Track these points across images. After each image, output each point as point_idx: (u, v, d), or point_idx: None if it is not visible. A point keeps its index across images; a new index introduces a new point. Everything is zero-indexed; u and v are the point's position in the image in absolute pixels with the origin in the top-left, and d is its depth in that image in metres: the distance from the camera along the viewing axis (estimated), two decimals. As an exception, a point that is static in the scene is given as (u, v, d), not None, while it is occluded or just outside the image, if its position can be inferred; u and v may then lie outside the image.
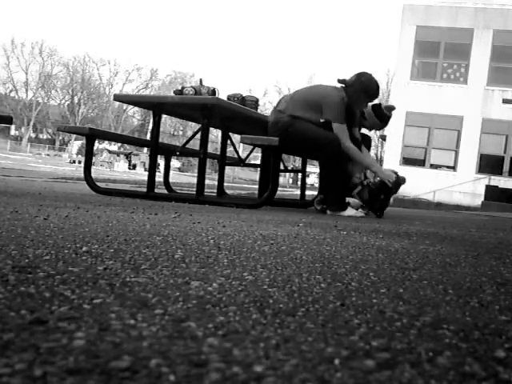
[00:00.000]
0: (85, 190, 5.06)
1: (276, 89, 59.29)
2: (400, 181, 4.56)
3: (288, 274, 1.24)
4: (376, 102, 4.97)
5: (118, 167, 40.36)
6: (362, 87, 4.44)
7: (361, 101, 4.52)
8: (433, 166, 19.51)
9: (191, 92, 4.78)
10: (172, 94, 4.92)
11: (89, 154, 4.90)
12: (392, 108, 5.11)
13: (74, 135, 53.19)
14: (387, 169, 4.80)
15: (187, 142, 5.36)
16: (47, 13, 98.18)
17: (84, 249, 1.36)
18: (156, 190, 4.87)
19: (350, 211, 4.34)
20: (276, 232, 2.24)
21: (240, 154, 6.40)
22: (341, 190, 4.41)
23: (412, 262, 1.63)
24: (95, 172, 7.19)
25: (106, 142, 46.35)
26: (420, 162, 19.61)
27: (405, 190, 18.56)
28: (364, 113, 5.01)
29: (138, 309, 0.82)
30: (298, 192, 7.44)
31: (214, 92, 4.82)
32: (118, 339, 0.66)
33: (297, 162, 34.26)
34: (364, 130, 5.33)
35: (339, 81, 4.50)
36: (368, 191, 4.57)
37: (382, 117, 5.04)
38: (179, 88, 4.98)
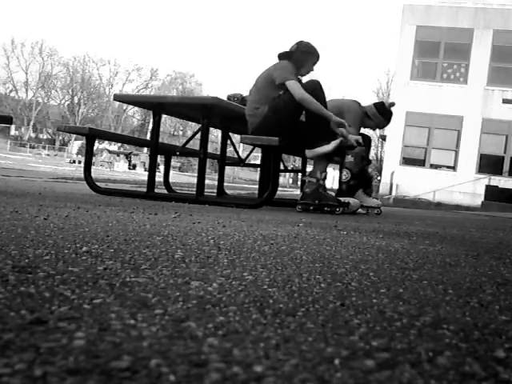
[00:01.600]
0: (85, 190, 5.06)
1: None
2: (335, 209, 4.43)
3: (288, 273, 1.23)
4: (377, 100, 5.03)
5: (118, 167, 40.36)
6: (308, 48, 4.56)
7: (309, 61, 4.57)
8: (433, 166, 19.51)
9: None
10: (173, 94, 4.93)
11: (89, 153, 4.91)
12: (392, 104, 5.18)
13: (74, 135, 53.20)
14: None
15: (187, 141, 5.36)
16: (47, 13, 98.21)
17: (84, 249, 1.36)
18: (156, 190, 4.87)
19: (329, 146, 4.30)
20: (276, 232, 2.24)
21: (240, 154, 6.41)
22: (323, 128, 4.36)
23: (412, 262, 1.63)
24: (95, 172, 7.19)
25: (106, 142, 46.35)
26: (420, 162, 19.61)
27: (405, 190, 18.57)
28: (368, 113, 5.06)
29: (138, 309, 0.82)
30: (298, 192, 7.44)
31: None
32: (118, 339, 0.66)
33: (297, 161, 34.26)
34: (366, 130, 5.37)
35: (281, 54, 4.54)
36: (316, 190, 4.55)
37: (386, 114, 5.10)
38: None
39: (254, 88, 4.51)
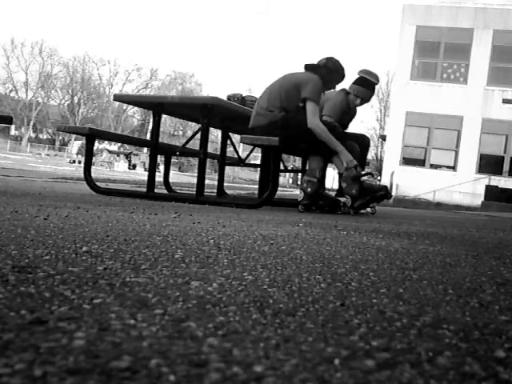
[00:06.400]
0: (85, 190, 5.06)
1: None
2: (387, 195, 4.59)
3: (288, 273, 1.23)
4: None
5: (118, 167, 40.35)
6: (336, 68, 4.52)
7: (333, 80, 4.56)
8: (433, 166, 19.50)
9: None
10: (173, 94, 4.95)
11: (89, 153, 4.91)
12: (375, 75, 5.09)
13: (74, 135, 53.20)
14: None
15: (187, 141, 5.37)
16: (47, 13, 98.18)
17: (84, 249, 1.36)
18: (156, 190, 4.87)
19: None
20: (276, 232, 2.24)
21: (240, 153, 6.41)
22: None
23: (412, 262, 1.63)
24: (95, 172, 7.19)
25: (106, 142, 46.33)
26: (420, 162, 19.60)
27: (405, 190, 18.56)
28: (350, 92, 5.03)
29: (138, 309, 0.82)
30: (298, 192, 7.43)
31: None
32: (118, 339, 0.66)
33: (297, 161, 34.25)
34: (365, 130, 5.34)
35: (307, 66, 4.49)
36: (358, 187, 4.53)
37: (369, 85, 5.04)
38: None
39: (272, 90, 4.43)
